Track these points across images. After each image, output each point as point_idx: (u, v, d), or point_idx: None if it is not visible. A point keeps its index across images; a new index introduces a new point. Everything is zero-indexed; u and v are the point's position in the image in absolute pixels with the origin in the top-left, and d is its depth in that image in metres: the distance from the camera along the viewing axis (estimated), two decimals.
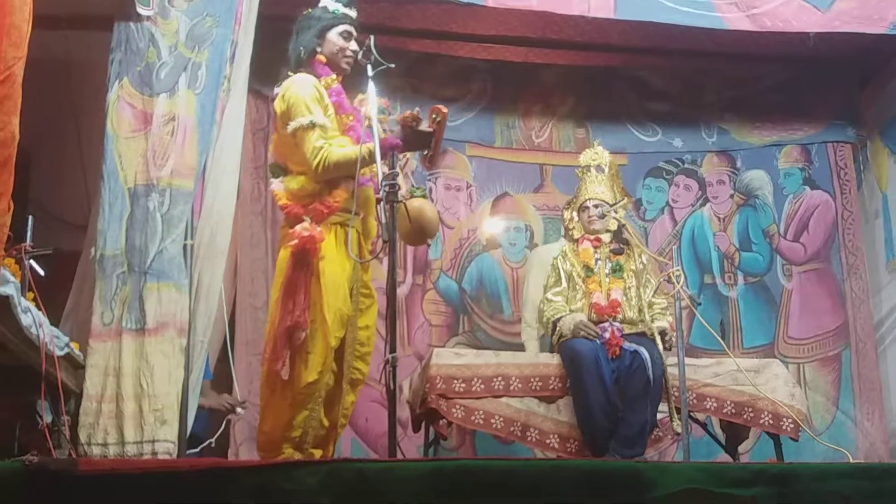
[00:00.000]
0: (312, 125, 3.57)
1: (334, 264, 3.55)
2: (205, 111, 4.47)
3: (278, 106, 3.73)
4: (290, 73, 3.81)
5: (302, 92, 3.62)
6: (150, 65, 4.47)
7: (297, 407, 3.54)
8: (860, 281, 6.08)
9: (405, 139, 3.62)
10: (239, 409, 4.65)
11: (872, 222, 6.13)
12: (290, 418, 3.53)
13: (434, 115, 3.73)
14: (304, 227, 3.52)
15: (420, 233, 3.73)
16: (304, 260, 3.51)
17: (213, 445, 4.56)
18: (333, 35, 3.78)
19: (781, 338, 6.07)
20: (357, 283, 3.70)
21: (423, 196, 3.80)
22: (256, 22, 4.73)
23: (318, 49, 3.77)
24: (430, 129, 3.67)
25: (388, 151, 3.52)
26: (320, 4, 3.89)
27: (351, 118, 3.77)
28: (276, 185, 3.77)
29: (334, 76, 3.79)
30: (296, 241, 3.50)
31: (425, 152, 3.73)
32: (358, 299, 3.70)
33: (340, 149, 3.58)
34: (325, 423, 3.68)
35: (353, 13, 3.82)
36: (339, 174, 3.60)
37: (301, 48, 3.78)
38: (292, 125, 3.60)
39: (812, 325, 6.07)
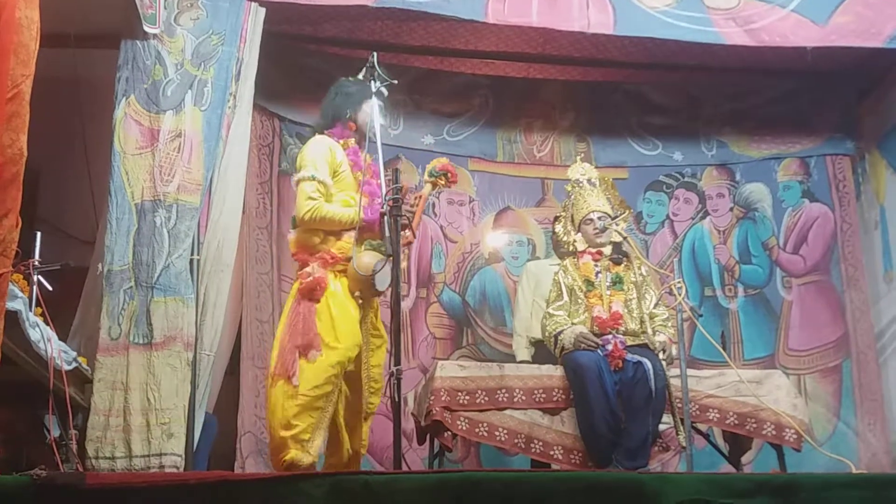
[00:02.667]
0: (312, 178, 3.82)
1: (342, 298, 3.78)
2: (211, 128, 4.53)
3: (297, 162, 3.99)
4: (317, 131, 4.09)
5: (313, 150, 3.91)
6: (157, 82, 4.53)
7: (303, 410, 3.64)
8: (860, 292, 6.11)
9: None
10: None
11: (871, 234, 6.15)
12: (292, 417, 3.64)
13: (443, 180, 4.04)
14: (312, 269, 3.79)
15: (357, 281, 3.81)
16: (312, 296, 3.77)
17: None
18: (368, 107, 4.00)
19: (782, 349, 6.09)
20: (367, 324, 3.89)
21: (376, 250, 3.87)
22: (261, 39, 4.78)
23: (351, 114, 4.02)
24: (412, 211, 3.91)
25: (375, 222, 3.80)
26: (360, 77, 4.08)
27: (368, 174, 3.95)
28: (291, 234, 4.03)
29: (352, 139, 4.02)
30: (305, 281, 3.77)
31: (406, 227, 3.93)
32: (368, 339, 3.90)
33: (334, 207, 3.84)
34: (350, 450, 3.87)
35: (385, 92, 4.01)
36: (325, 228, 3.84)
37: (333, 111, 4.06)
38: (295, 176, 3.92)
39: (812, 336, 6.09)
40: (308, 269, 3.80)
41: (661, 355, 4.38)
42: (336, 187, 3.87)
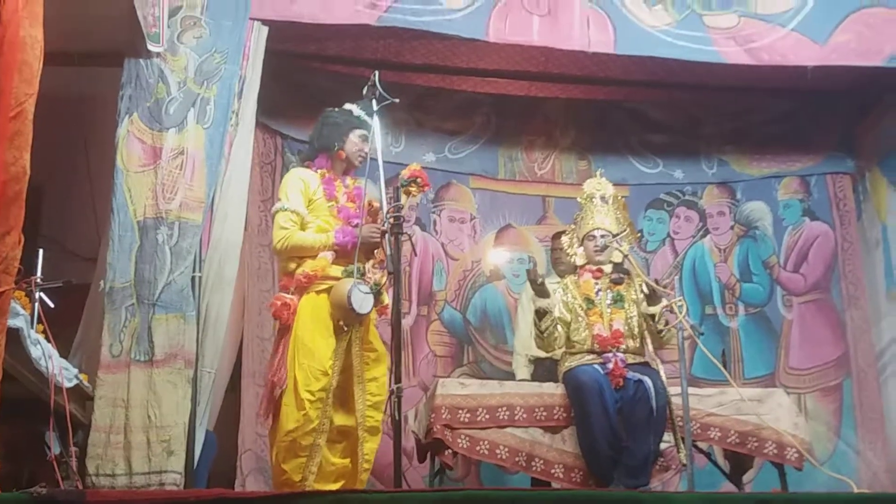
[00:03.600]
0: (284, 209, 4.00)
1: (310, 327, 3.88)
2: (213, 145, 4.55)
3: None
4: (300, 161, 4.36)
5: (286, 182, 4.12)
6: (160, 100, 4.56)
7: (286, 454, 3.81)
8: (860, 311, 6.11)
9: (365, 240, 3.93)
10: None
11: (872, 252, 6.15)
12: (280, 464, 3.82)
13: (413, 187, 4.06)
14: (279, 297, 3.97)
15: (337, 309, 3.89)
16: (284, 325, 3.94)
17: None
18: (354, 136, 4.16)
19: (782, 368, 6.09)
20: (358, 342, 3.97)
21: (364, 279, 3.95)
22: (264, 58, 4.81)
23: (339, 145, 4.13)
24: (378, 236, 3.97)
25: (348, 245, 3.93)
26: (345, 107, 4.21)
27: (342, 201, 4.08)
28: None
29: (329, 170, 4.15)
30: (274, 306, 3.96)
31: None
32: (362, 354, 3.98)
33: (306, 234, 3.99)
34: (337, 463, 3.92)
35: (371, 121, 4.08)
36: (298, 255, 3.98)
37: (320, 143, 4.20)
38: (273, 208, 4.11)
39: (812, 355, 6.09)
40: (278, 296, 3.97)
41: (655, 322, 4.42)
42: (312, 215, 4.03)
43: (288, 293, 3.95)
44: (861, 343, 6.06)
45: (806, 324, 6.16)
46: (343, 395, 3.94)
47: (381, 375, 4.02)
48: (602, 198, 4.80)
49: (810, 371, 6.06)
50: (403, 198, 4.01)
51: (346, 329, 3.90)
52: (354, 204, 4.08)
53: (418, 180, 4.06)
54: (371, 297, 3.85)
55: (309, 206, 4.03)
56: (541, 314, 4.56)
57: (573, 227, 4.92)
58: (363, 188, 4.07)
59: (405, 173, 4.08)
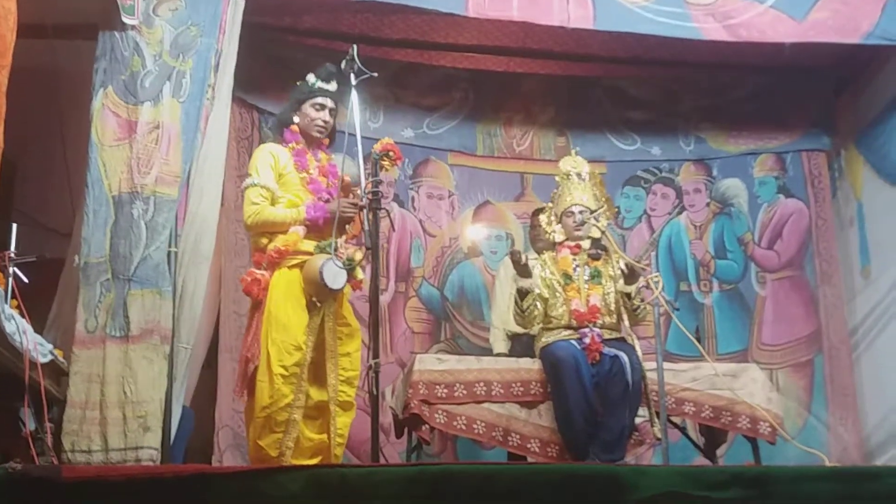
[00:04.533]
0: (254, 185, 3.98)
1: (282, 303, 3.86)
2: (189, 119, 4.50)
3: None
4: (275, 138, 4.30)
5: (256, 158, 4.09)
6: (135, 73, 4.50)
7: (261, 430, 3.81)
8: (833, 288, 6.17)
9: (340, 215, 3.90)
10: None
11: (847, 230, 6.21)
12: (256, 440, 3.82)
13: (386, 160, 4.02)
14: (251, 273, 3.96)
15: (310, 285, 3.88)
16: (255, 301, 3.94)
17: None
18: (307, 107, 4.13)
19: (755, 344, 6.15)
20: (331, 317, 3.95)
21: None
22: (241, 31, 4.76)
23: (296, 119, 4.12)
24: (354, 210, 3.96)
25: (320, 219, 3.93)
26: (306, 78, 4.17)
27: (314, 174, 4.05)
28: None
29: (300, 143, 4.10)
30: (245, 282, 3.96)
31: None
32: (335, 329, 3.96)
33: (276, 209, 3.96)
34: (314, 438, 3.90)
35: (330, 87, 4.09)
36: (269, 230, 3.97)
37: (280, 119, 4.23)
38: (243, 184, 4.09)
39: (785, 331, 6.15)
40: (249, 272, 3.97)
41: (631, 300, 4.47)
42: (282, 189, 4.01)
43: (260, 269, 3.94)
44: (833, 320, 6.12)
45: (779, 300, 6.21)
46: (317, 371, 3.93)
47: (354, 351, 4.02)
48: (578, 175, 4.82)
49: (782, 347, 6.12)
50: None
51: (318, 305, 3.88)
52: (326, 179, 4.05)
53: (390, 153, 4.03)
54: (344, 273, 3.84)
55: (279, 180, 4.01)
56: (522, 293, 4.57)
57: (551, 205, 4.93)
58: (338, 165, 4.04)
59: (377, 147, 4.05)
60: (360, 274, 4.02)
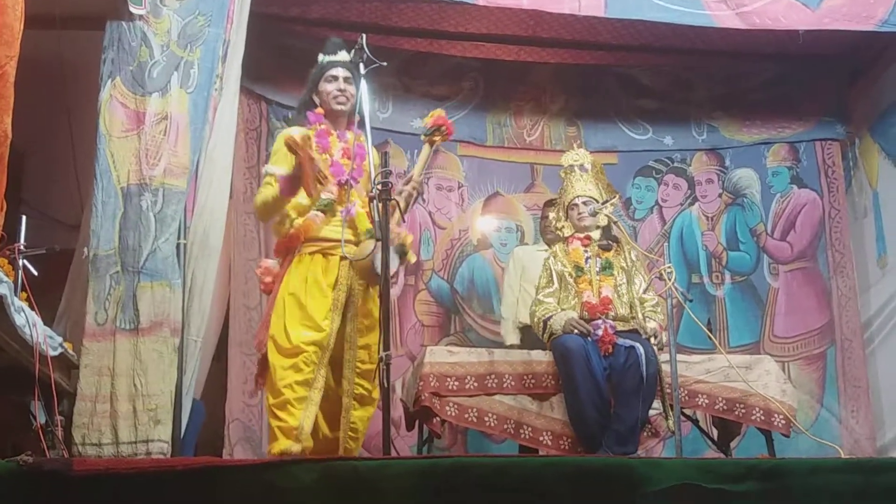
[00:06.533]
0: (266, 173, 3.87)
1: (301, 287, 3.75)
2: (197, 110, 4.47)
3: None
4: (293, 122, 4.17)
5: (275, 146, 3.98)
6: (143, 64, 4.47)
7: (284, 404, 3.66)
8: (847, 279, 6.12)
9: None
10: None
11: (861, 220, 6.16)
12: (277, 409, 3.69)
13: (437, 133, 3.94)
14: (262, 262, 3.96)
15: (359, 269, 3.80)
16: (265, 290, 3.91)
17: None
18: (322, 84, 3.99)
19: (767, 336, 6.11)
20: (354, 307, 3.83)
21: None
22: (248, 21, 4.73)
23: (316, 100, 4.01)
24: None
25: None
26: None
27: (337, 156, 3.91)
28: None
29: (322, 124, 3.97)
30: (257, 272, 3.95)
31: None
32: (356, 320, 3.84)
33: (265, 188, 3.83)
34: (329, 434, 3.83)
35: (339, 57, 3.99)
36: (271, 213, 3.86)
37: (301, 103, 4.08)
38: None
39: (798, 323, 6.11)
40: (264, 259, 3.95)
41: (652, 341, 4.38)
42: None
43: (279, 257, 3.88)
44: (846, 311, 6.08)
45: (792, 292, 6.17)
46: (334, 362, 3.82)
47: (373, 344, 3.90)
48: (581, 167, 4.78)
49: (795, 339, 6.08)
50: (426, 148, 3.93)
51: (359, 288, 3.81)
52: (350, 161, 3.88)
53: (442, 128, 3.93)
54: (397, 258, 3.70)
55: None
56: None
57: (558, 200, 4.91)
58: (367, 147, 3.81)
59: (428, 121, 3.97)
60: (412, 258, 3.96)
